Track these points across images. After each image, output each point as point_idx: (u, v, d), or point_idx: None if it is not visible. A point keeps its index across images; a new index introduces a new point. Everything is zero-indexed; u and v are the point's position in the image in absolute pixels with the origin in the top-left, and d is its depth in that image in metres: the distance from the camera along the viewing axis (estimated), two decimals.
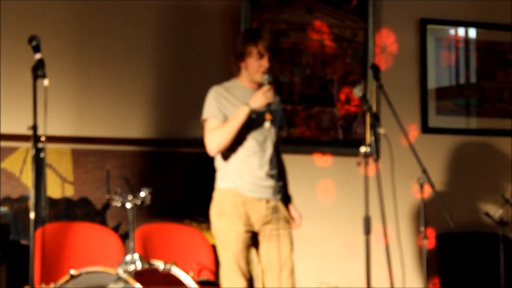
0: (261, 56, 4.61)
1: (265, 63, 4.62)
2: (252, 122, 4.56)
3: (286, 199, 4.79)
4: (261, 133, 4.62)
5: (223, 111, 4.60)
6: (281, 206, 4.70)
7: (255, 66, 4.62)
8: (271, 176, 4.65)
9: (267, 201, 4.62)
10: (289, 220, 4.73)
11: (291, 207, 4.81)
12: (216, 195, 4.67)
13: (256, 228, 4.63)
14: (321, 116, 6.14)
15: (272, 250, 4.65)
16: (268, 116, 4.52)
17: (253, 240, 4.67)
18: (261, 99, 4.52)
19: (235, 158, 4.62)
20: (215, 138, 4.58)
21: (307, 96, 6.20)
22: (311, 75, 6.23)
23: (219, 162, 4.69)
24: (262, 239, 4.67)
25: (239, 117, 4.52)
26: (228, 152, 4.62)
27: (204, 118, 4.67)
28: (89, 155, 5.70)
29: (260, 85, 4.63)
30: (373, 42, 6.35)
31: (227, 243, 4.57)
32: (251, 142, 4.61)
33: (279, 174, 4.72)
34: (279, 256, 4.64)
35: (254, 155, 4.61)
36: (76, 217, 5.59)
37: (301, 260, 5.00)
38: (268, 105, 4.53)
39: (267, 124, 4.53)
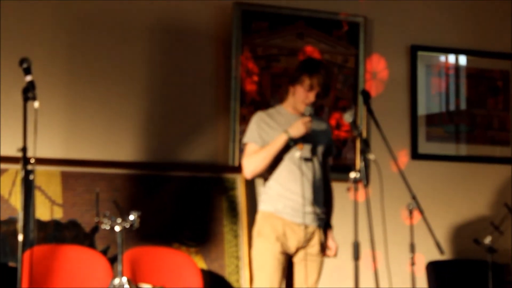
0: (311, 88, 4.72)
1: (311, 96, 4.74)
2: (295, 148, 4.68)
3: (326, 227, 4.88)
4: (303, 159, 4.69)
5: (263, 137, 4.73)
6: (319, 233, 4.78)
7: (302, 96, 4.75)
8: (313, 202, 4.71)
9: (306, 227, 4.70)
10: (324, 248, 4.82)
11: (329, 236, 4.88)
12: (258, 217, 4.81)
13: (292, 251, 4.72)
14: None
15: (300, 275, 4.75)
16: (300, 147, 4.66)
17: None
18: (301, 128, 4.65)
19: (276, 182, 4.74)
20: (251, 163, 4.71)
21: None
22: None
23: (262, 186, 4.84)
24: (295, 262, 4.76)
25: (277, 144, 4.65)
26: (270, 176, 4.75)
27: (244, 142, 4.82)
28: (79, 178, 5.69)
29: (302, 114, 4.74)
30: (364, 68, 6.37)
31: (263, 262, 4.67)
32: (292, 167, 4.69)
33: (324, 201, 4.79)
34: (305, 281, 4.73)
35: (295, 181, 4.70)
36: (65, 240, 5.57)
37: None
38: (304, 136, 4.64)
39: (297, 154, 4.65)
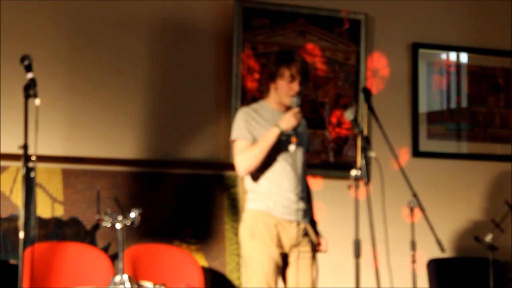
0: (292, 79, 4.63)
1: (295, 86, 4.64)
2: (283, 144, 4.58)
3: (312, 223, 4.80)
4: (291, 155, 4.62)
5: (252, 133, 4.61)
6: (310, 229, 4.72)
7: (286, 88, 4.64)
8: (301, 198, 4.65)
9: (298, 224, 4.63)
10: (316, 244, 4.75)
11: (318, 231, 4.82)
12: (247, 216, 4.66)
13: (286, 249, 4.63)
14: (312, 139, 6.14)
15: (300, 273, 4.65)
16: (294, 139, 4.56)
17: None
18: (291, 120, 4.54)
19: (266, 180, 4.63)
20: (245, 160, 4.57)
21: None
22: (302, 97, 6.23)
23: (250, 184, 4.70)
24: (290, 261, 4.66)
25: (269, 138, 4.53)
26: (259, 173, 4.63)
27: (233, 138, 4.67)
28: (80, 175, 5.69)
29: (288, 108, 4.65)
30: (365, 65, 6.37)
31: (259, 265, 4.55)
32: (283, 164, 4.61)
33: (307, 197, 4.74)
34: (305, 280, 4.66)
35: (285, 177, 4.61)
36: (66, 237, 5.57)
37: None
38: (295, 128, 4.56)
39: (292, 147, 4.56)
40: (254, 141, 4.60)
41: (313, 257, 4.71)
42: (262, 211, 4.60)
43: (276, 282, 4.57)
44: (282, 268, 4.64)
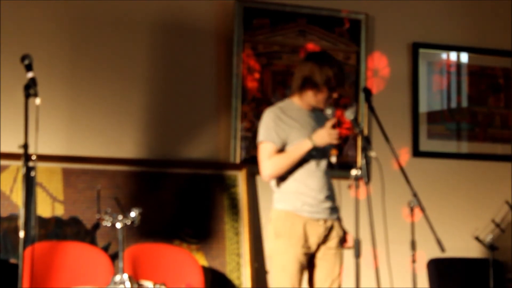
0: (336, 88, 4.62)
1: (335, 94, 4.65)
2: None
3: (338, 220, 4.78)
4: (320, 156, 4.60)
5: (280, 135, 4.56)
6: (336, 226, 4.69)
7: (325, 97, 4.63)
8: (328, 197, 4.64)
9: (325, 221, 4.61)
10: (342, 240, 4.72)
11: (344, 228, 4.80)
12: (274, 216, 4.64)
13: (313, 248, 4.60)
14: None
15: (324, 269, 4.63)
16: (334, 152, 4.55)
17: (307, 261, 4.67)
18: (325, 138, 4.50)
19: (295, 180, 4.60)
20: (272, 167, 4.54)
21: None
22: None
23: (277, 183, 4.66)
24: (317, 258, 4.64)
25: (300, 151, 4.51)
26: (288, 174, 4.59)
27: (261, 140, 4.61)
28: (80, 175, 5.69)
29: (317, 109, 4.67)
30: (365, 65, 6.37)
31: (284, 264, 4.54)
32: (311, 165, 4.59)
33: (332, 194, 4.72)
34: (330, 274, 4.64)
35: (313, 177, 4.59)
36: (66, 237, 5.57)
37: None
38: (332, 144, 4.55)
39: (333, 159, 4.55)
40: (283, 143, 4.56)
41: (339, 254, 4.67)
42: (288, 211, 4.58)
43: (300, 282, 4.56)
44: (305, 268, 4.62)
